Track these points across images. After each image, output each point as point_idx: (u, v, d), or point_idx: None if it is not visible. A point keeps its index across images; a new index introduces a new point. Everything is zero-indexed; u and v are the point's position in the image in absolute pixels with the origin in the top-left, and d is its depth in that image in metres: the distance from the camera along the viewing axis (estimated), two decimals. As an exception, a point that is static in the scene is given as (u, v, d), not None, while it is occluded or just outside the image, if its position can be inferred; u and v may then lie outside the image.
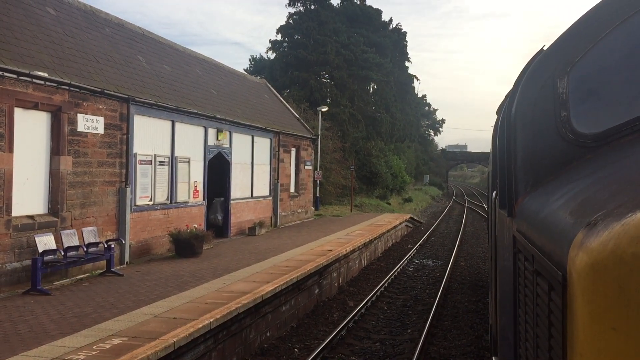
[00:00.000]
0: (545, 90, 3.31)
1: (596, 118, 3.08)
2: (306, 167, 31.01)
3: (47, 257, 12.25)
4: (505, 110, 4.10)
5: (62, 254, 12.76)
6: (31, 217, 12.88)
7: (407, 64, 68.31)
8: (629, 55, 3.09)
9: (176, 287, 12.37)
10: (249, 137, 23.77)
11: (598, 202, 2.05)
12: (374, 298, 15.51)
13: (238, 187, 22.82)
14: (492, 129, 7.92)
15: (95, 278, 13.74)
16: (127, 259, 15.66)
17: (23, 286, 12.08)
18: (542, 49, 3.66)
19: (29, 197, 12.92)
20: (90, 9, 18.07)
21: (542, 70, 3.40)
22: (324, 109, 36.95)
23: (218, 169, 21.52)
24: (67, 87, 13.55)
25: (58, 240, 13.01)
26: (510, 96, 3.95)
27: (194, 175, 19.40)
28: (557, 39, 3.45)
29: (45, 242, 12.49)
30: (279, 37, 53.33)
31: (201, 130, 19.83)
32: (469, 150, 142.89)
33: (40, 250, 12.18)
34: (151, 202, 17.09)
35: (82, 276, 13.79)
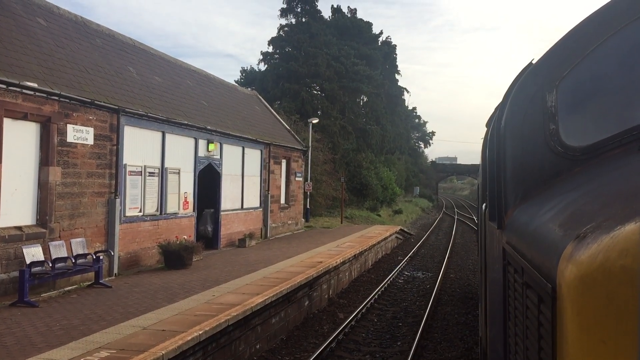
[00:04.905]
0: (534, 103, 3.34)
1: (585, 131, 3.11)
2: (297, 179, 31.00)
3: (35, 269, 12.14)
4: (495, 123, 4.12)
5: (50, 265, 12.66)
6: (19, 228, 12.78)
7: (397, 76, 68.69)
8: (617, 69, 3.12)
9: (165, 299, 12.28)
10: (240, 149, 23.76)
11: (587, 215, 2.06)
12: (364, 310, 15.47)
13: (228, 199, 22.76)
14: (481, 141, 7.96)
15: (84, 290, 13.63)
16: (115, 270, 15.55)
17: (10, 298, 11.95)
18: (530, 62, 3.69)
19: (17, 208, 12.82)
20: (81, 20, 18.06)
21: (531, 84, 3.42)
22: (315, 121, 37.04)
23: (208, 180, 21.48)
24: (57, 98, 13.51)
25: (46, 251, 12.91)
26: (499, 109, 3.98)
27: (184, 186, 19.34)
28: (546, 52, 3.48)
29: (33, 253, 12.38)
30: (270, 49, 53.53)
31: (192, 141, 19.80)
32: (458, 162, 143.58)
33: (27, 262, 12.07)
34: (141, 213, 17.00)
35: (70, 288, 13.67)
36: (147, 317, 10.62)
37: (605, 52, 3.16)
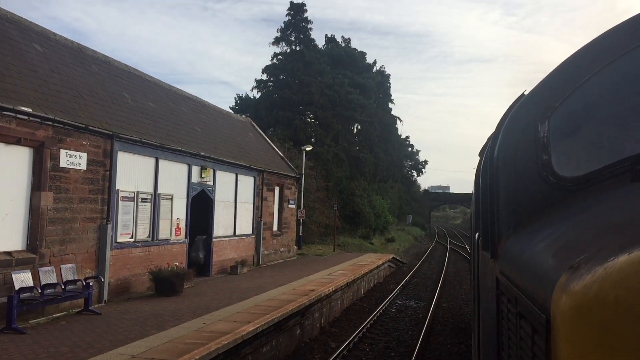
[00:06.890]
0: (526, 133, 3.36)
1: (577, 161, 3.13)
2: (289, 206, 30.95)
3: (24, 295, 12.00)
4: (488, 152, 4.14)
5: (39, 291, 12.51)
6: (9, 253, 12.65)
7: (390, 105, 69.22)
8: (608, 100, 3.16)
9: (155, 327, 12.13)
10: (233, 175, 23.75)
11: (580, 245, 2.07)
12: (356, 339, 15.32)
13: (221, 225, 22.67)
14: (474, 170, 7.99)
15: (72, 317, 13.45)
16: (105, 297, 15.38)
17: (-3, 324, 11.78)
18: (523, 93, 3.73)
19: (8, 233, 12.71)
20: (77, 46, 18.16)
21: (523, 114, 3.45)
22: (308, 148, 37.14)
23: (201, 207, 21.41)
24: (50, 123, 13.50)
25: (35, 277, 12.76)
26: (492, 139, 4.01)
27: (177, 212, 19.26)
28: (538, 84, 3.52)
29: (22, 279, 12.24)
30: (264, 77, 53.92)
31: (185, 167, 19.79)
32: (451, 191, 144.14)
33: (16, 288, 11.93)
34: (132, 239, 16.89)
35: (59, 314, 13.49)
36: (136, 345, 10.48)
37: (598, 83, 3.20)
